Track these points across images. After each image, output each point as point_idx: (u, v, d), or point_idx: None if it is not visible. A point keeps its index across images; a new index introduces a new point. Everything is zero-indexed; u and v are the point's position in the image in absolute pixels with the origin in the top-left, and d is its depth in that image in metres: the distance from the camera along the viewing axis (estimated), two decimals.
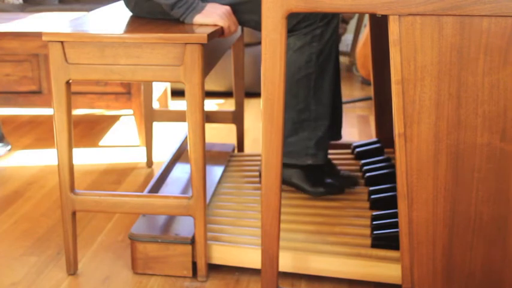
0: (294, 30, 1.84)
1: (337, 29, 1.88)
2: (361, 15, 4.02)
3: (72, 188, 1.70)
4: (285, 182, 1.98)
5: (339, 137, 2.14)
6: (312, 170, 1.97)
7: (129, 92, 2.77)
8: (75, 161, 2.64)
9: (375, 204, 1.92)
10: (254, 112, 3.38)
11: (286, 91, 1.85)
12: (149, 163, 2.58)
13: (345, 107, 3.43)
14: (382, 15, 1.32)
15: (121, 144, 2.89)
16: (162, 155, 2.74)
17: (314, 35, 1.83)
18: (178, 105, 3.49)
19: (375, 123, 2.46)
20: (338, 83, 2.05)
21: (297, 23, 1.82)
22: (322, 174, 2.00)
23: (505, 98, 1.32)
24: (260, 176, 2.06)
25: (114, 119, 3.27)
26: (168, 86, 3.29)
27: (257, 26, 1.83)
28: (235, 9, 1.79)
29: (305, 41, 1.84)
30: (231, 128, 3.08)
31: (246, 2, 1.78)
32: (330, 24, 1.84)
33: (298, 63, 1.85)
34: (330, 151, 2.37)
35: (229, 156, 2.37)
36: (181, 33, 1.60)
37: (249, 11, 1.79)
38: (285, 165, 1.95)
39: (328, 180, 2.00)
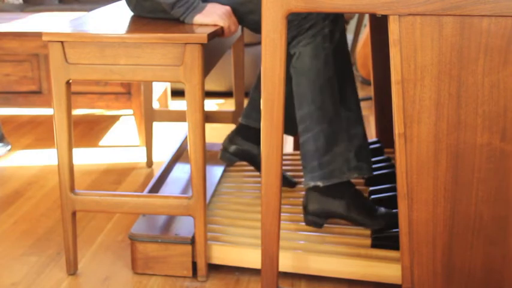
0: (298, 36, 1.73)
1: (344, 28, 1.80)
2: (361, 15, 4.02)
3: (72, 188, 1.70)
4: (337, 216, 1.75)
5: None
6: (357, 196, 1.76)
7: (129, 92, 2.77)
8: (75, 161, 2.64)
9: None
10: None
11: (310, 103, 1.71)
12: (149, 163, 2.58)
13: None
14: (382, 15, 1.32)
15: (121, 144, 2.89)
16: (162, 155, 2.74)
17: (324, 35, 1.73)
18: (178, 105, 3.49)
19: (375, 123, 2.46)
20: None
21: (299, 25, 1.75)
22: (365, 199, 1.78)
23: (505, 98, 1.32)
24: None
25: (114, 119, 3.27)
26: (168, 86, 3.29)
27: (257, 27, 1.82)
28: (236, 10, 1.78)
29: (315, 43, 1.73)
30: (231, 128, 3.07)
31: (247, 2, 1.78)
32: (337, 22, 1.76)
33: (317, 67, 1.73)
34: None
35: None
36: (181, 33, 1.60)
37: (250, 11, 1.79)
38: (325, 195, 1.73)
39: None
